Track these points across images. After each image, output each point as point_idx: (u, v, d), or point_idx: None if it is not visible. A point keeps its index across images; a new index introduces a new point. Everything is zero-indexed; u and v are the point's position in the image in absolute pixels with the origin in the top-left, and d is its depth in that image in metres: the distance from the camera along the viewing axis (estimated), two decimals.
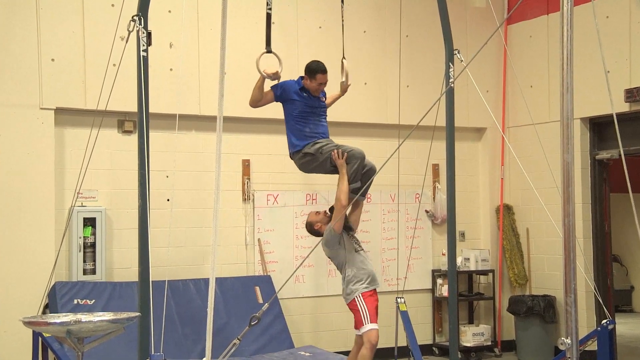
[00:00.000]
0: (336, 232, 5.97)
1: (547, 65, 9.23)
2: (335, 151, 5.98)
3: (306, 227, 6.38)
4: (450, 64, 6.39)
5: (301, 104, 6.09)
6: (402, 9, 7.82)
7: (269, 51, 6.07)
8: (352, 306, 6.04)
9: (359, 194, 6.04)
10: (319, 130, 6.14)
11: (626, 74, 8.29)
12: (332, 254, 6.15)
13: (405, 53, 8.75)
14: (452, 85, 6.36)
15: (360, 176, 6.02)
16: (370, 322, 5.94)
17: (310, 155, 6.10)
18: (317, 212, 6.36)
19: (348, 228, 6.15)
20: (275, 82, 6.15)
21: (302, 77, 6.16)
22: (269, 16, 6.03)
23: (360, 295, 5.99)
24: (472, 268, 9.28)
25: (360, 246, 6.16)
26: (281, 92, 6.13)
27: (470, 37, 9.36)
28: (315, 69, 6.03)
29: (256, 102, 6.22)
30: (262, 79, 6.09)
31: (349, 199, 5.94)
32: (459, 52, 6.38)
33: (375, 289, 6.13)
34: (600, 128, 8.90)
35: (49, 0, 7.33)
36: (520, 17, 9.62)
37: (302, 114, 6.10)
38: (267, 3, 6.01)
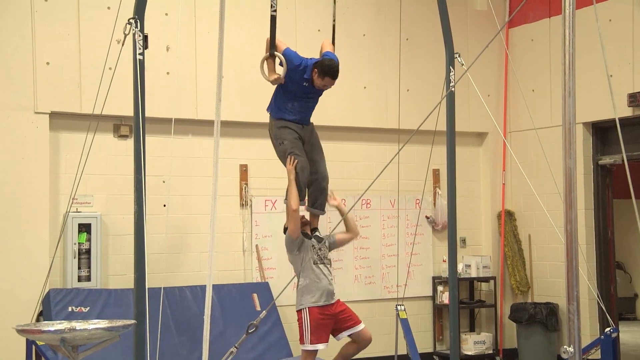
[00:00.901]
0: (292, 237, 5.97)
1: (549, 69, 9.24)
2: (290, 157, 5.99)
3: (284, 229, 6.38)
4: (450, 67, 6.39)
5: (300, 86, 6.05)
6: (402, 11, 7.83)
7: (272, 54, 6.04)
8: (298, 318, 5.98)
9: (313, 207, 6.14)
10: (302, 109, 6.11)
11: (629, 78, 8.30)
12: (290, 259, 6.14)
13: (405, 56, 8.77)
14: (453, 89, 6.36)
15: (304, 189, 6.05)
16: (310, 343, 5.85)
17: (273, 136, 6.13)
18: None
19: (318, 239, 6.14)
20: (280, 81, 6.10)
21: (314, 64, 6.04)
22: (273, 18, 5.99)
23: (307, 309, 5.92)
24: (473, 275, 9.28)
25: (323, 260, 6.09)
26: (290, 64, 5.99)
27: (471, 41, 9.37)
28: (327, 72, 5.98)
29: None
30: (272, 59, 6.03)
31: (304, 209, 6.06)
32: (459, 56, 6.39)
33: (329, 305, 5.98)
34: (603, 133, 8.91)
35: (44, 3, 7.34)
36: (521, 20, 9.64)
37: (293, 93, 6.08)
38: (272, 5, 5.96)
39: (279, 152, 6.15)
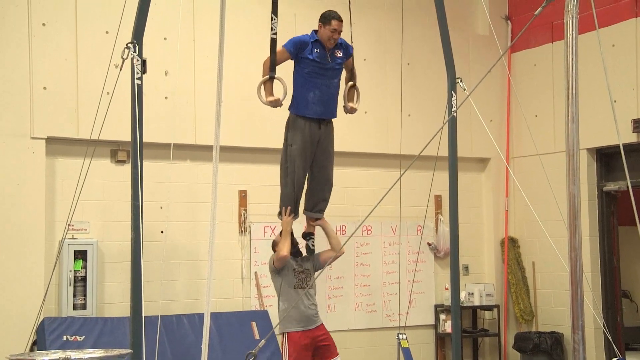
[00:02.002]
0: (275, 267, 6.19)
1: (552, 94, 9.28)
2: (284, 208, 6.14)
3: (272, 244, 6.52)
4: (452, 92, 6.42)
5: (313, 62, 6.08)
6: (403, 36, 7.88)
7: (272, 77, 6.07)
8: (281, 342, 6.13)
9: (311, 211, 6.24)
10: (324, 97, 6.12)
11: (633, 104, 8.33)
12: (271, 276, 6.35)
13: (406, 81, 8.80)
14: (455, 114, 6.38)
15: (293, 200, 6.12)
16: None
17: (286, 135, 6.16)
18: None
19: (302, 259, 6.24)
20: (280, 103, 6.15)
21: (315, 31, 6.17)
22: (273, 41, 6.05)
23: (286, 335, 6.06)
24: (477, 303, 9.24)
25: (305, 284, 6.16)
26: (295, 51, 6.09)
27: (473, 65, 9.42)
28: (330, 15, 6.11)
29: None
30: (271, 82, 6.09)
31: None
32: (461, 81, 6.42)
33: (308, 330, 6.07)
34: (607, 159, 8.92)
35: (41, 27, 7.38)
36: (524, 45, 9.69)
37: (311, 74, 6.10)
38: (272, 28, 6.03)
39: (284, 151, 6.20)
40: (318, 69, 6.12)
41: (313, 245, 6.33)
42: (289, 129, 6.19)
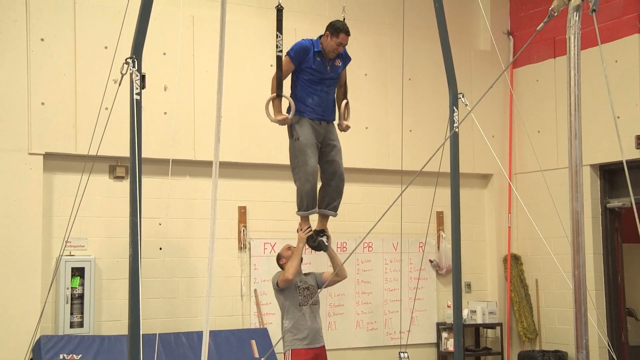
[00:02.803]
0: (278, 286, 6.25)
1: (554, 110, 9.29)
2: (303, 224, 6.18)
3: (276, 257, 6.56)
4: (454, 108, 6.43)
5: (314, 71, 6.13)
6: (404, 51, 7.90)
7: (279, 95, 6.07)
8: None
9: (326, 209, 6.20)
10: (322, 102, 6.18)
11: (636, 120, 8.34)
12: (275, 294, 6.42)
13: (408, 97, 8.80)
14: (457, 130, 6.39)
15: (306, 201, 6.08)
16: None
17: (290, 132, 6.15)
18: (289, 247, 6.57)
19: (306, 276, 6.25)
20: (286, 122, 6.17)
21: (320, 37, 6.21)
22: (279, 59, 6.04)
23: (290, 352, 6.10)
24: (479, 321, 9.21)
25: (309, 300, 6.19)
26: (298, 58, 6.11)
27: (475, 81, 9.44)
28: (341, 28, 6.13)
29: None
30: (279, 100, 6.10)
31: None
32: (463, 96, 6.43)
33: (314, 348, 6.13)
34: (611, 175, 8.92)
35: (40, 42, 7.41)
36: (526, 60, 9.72)
37: (311, 82, 6.15)
38: (277, 45, 6.03)
39: (290, 147, 6.18)
40: (318, 78, 6.18)
41: (327, 242, 6.28)
42: (292, 127, 6.14)
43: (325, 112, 6.25)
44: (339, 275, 6.45)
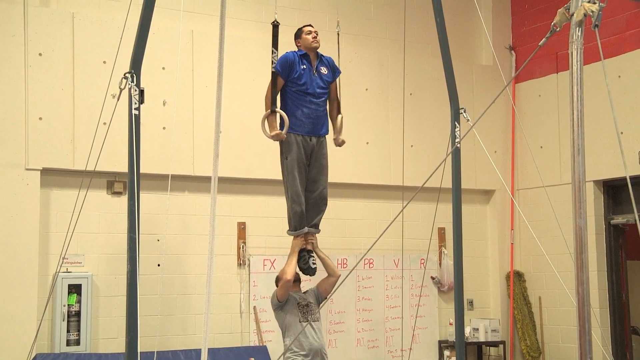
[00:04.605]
0: (278, 301, 6.22)
1: (557, 125, 9.31)
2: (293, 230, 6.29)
3: (275, 279, 6.56)
4: (456, 123, 6.45)
5: (301, 79, 6.21)
6: (405, 66, 7.93)
7: (273, 111, 6.14)
8: None
9: (308, 226, 6.26)
10: (312, 114, 6.24)
11: None
12: (275, 315, 6.39)
13: (409, 111, 8.83)
14: (459, 145, 6.40)
15: (294, 222, 6.21)
16: None
17: (281, 149, 6.25)
18: None
19: (304, 293, 6.28)
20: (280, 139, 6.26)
21: (298, 50, 6.39)
22: (274, 75, 6.15)
23: None
24: (482, 339, 9.18)
25: (309, 317, 6.19)
26: (287, 73, 6.22)
27: (477, 96, 9.46)
28: (299, 28, 6.42)
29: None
30: (274, 116, 6.19)
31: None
32: (465, 111, 6.45)
33: None
34: (615, 191, 8.92)
35: (38, 57, 7.43)
36: (528, 75, 9.75)
37: (299, 93, 6.22)
38: (273, 62, 6.13)
39: (282, 165, 6.30)
40: (305, 88, 6.24)
41: (314, 264, 6.34)
42: (282, 143, 6.28)
43: (315, 126, 6.30)
44: (332, 275, 6.46)
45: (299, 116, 6.22)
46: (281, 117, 6.14)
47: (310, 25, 6.47)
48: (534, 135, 9.42)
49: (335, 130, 6.55)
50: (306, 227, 6.28)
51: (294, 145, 6.19)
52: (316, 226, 6.38)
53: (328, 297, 6.47)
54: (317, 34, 6.39)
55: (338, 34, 6.70)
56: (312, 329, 6.17)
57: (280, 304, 6.23)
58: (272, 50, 6.15)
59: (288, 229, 6.35)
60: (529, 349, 9.36)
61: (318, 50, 6.44)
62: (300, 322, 6.14)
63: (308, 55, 6.36)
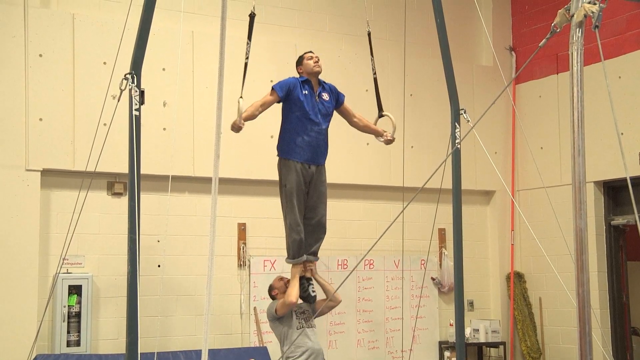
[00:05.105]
0: (276, 314, 6.24)
1: (557, 126, 9.31)
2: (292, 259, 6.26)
3: (268, 288, 6.59)
4: (456, 124, 6.45)
5: (302, 104, 6.14)
6: (405, 67, 7.93)
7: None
8: None
9: (307, 254, 6.23)
10: (312, 142, 6.17)
11: None
12: (270, 325, 6.41)
13: (409, 112, 8.83)
14: (459, 146, 6.40)
15: (293, 251, 6.17)
16: None
17: (280, 176, 6.21)
18: (281, 277, 6.58)
19: (306, 298, 6.30)
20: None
21: (300, 76, 6.33)
22: (246, 65, 6.05)
23: None
24: (482, 340, 9.18)
25: (305, 324, 6.22)
26: (285, 93, 6.15)
27: (477, 96, 9.46)
28: (300, 56, 6.37)
29: (259, 114, 6.17)
30: (270, 102, 6.15)
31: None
32: (465, 112, 6.45)
33: None
34: (615, 192, 8.92)
35: (38, 58, 7.43)
36: (528, 76, 9.75)
37: (300, 119, 6.15)
38: (246, 53, 6.02)
39: (280, 193, 6.25)
40: (307, 114, 6.16)
41: (314, 292, 6.32)
42: (281, 170, 6.24)
43: (315, 154, 6.22)
44: (333, 300, 6.48)
45: (299, 143, 6.14)
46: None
47: (311, 51, 6.40)
48: (534, 136, 9.42)
49: (377, 132, 6.65)
50: (305, 255, 6.23)
51: (293, 173, 6.11)
52: (315, 254, 6.33)
53: (316, 316, 6.45)
54: (318, 59, 6.31)
55: (369, 34, 6.69)
56: (310, 334, 6.19)
57: (277, 316, 6.24)
58: (247, 42, 6.07)
59: (287, 256, 6.30)
60: (529, 349, 9.36)
61: (320, 77, 6.36)
62: (297, 328, 6.15)
63: (310, 81, 6.27)
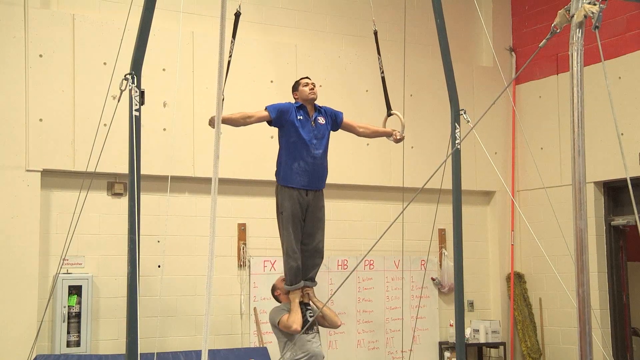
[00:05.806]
0: (279, 328, 6.23)
1: (557, 127, 9.31)
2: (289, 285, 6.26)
3: (271, 288, 6.58)
4: (456, 124, 6.45)
5: (298, 130, 6.13)
6: (405, 67, 7.93)
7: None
8: None
9: (304, 280, 6.23)
10: (309, 168, 6.15)
11: None
12: (274, 331, 6.40)
13: (409, 113, 8.83)
14: (459, 146, 6.40)
15: (290, 278, 6.17)
16: None
17: (276, 202, 6.22)
18: (283, 278, 6.49)
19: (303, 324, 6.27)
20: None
21: (295, 102, 6.33)
22: (229, 63, 6.08)
23: None
24: (482, 340, 9.18)
25: (311, 329, 6.22)
26: (278, 116, 6.15)
27: (477, 97, 9.46)
28: (296, 81, 6.37)
29: (241, 124, 6.26)
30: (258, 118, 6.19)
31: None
32: (465, 113, 6.45)
33: None
34: (615, 193, 8.92)
35: (38, 59, 7.43)
36: (528, 76, 9.75)
37: (296, 145, 6.14)
38: (230, 52, 6.05)
39: (278, 219, 6.25)
40: (303, 139, 6.14)
41: (312, 316, 6.30)
42: (278, 196, 6.25)
43: (312, 180, 6.20)
44: (332, 326, 6.52)
45: (295, 169, 6.13)
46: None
47: (307, 77, 6.40)
48: (535, 136, 9.42)
49: (387, 133, 6.64)
50: (302, 282, 6.22)
51: (289, 200, 6.11)
52: (312, 279, 6.32)
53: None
54: (314, 86, 6.31)
55: (375, 33, 6.71)
56: (312, 338, 6.17)
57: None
58: (232, 40, 6.06)
59: (284, 282, 6.31)
60: (529, 350, 9.36)
61: (316, 103, 6.35)
62: (300, 334, 6.13)
63: (305, 107, 6.26)
